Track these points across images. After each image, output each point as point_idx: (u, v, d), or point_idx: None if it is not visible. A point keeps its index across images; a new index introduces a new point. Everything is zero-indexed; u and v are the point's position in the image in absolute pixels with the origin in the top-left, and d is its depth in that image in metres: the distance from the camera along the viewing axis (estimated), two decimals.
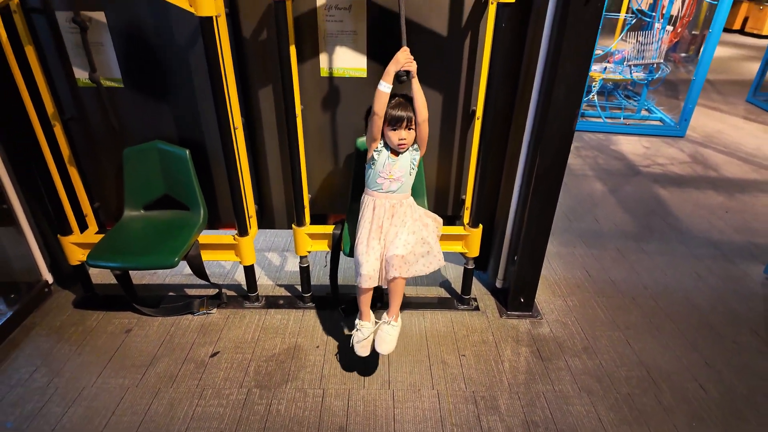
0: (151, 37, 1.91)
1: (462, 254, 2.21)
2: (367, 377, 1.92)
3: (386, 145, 1.77)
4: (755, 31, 11.52)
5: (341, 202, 2.29)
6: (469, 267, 2.23)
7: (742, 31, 12.13)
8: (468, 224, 2.13)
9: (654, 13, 5.02)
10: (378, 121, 1.68)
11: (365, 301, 1.86)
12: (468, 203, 2.12)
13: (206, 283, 2.22)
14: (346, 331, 2.06)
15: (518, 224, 2.15)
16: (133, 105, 2.06)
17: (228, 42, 1.86)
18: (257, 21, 1.91)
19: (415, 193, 1.97)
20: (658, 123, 5.06)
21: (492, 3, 1.70)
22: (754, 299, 2.42)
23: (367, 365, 1.97)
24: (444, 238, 2.12)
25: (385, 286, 1.83)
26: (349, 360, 2.00)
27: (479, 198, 2.04)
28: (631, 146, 4.50)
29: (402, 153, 1.77)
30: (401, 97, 1.71)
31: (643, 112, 5.30)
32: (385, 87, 1.63)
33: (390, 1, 1.85)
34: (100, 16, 1.86)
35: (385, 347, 1.80)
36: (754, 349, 2.10)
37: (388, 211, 1.81)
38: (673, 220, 3.17)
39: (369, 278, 1.76)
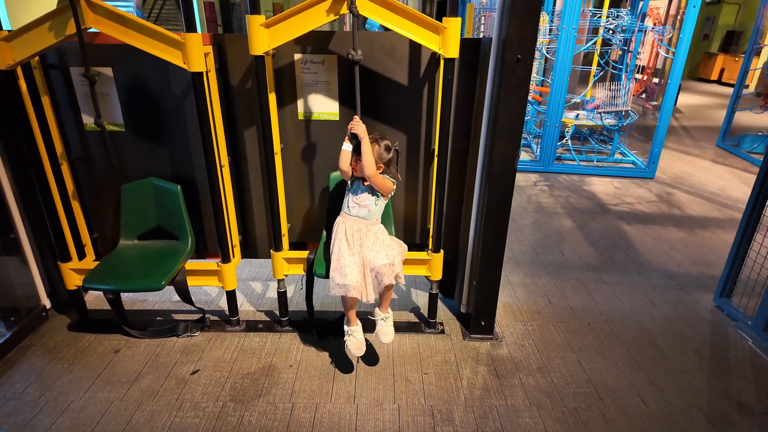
0: (150, 88, 2.22)
1: (426, 278, 2.41)
2: (334, 393, 2.08)
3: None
4: (731, 81, 12.13)
5: (318, 231, 2.52)
6: (434, 291, 2.43)
7: (719, 81, 12.79)
8: (431, 250, 2.34)
9: (621, 66, 5.44)
10: (344, 174, 2.04)
11: (351, 308, 2.10)
12: (431, 231, 2.35)
13: (191, 308, 2.41)
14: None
15: (476, 253, 2.36)
16: (133, 146, 2.33)
17: (217, 91, 2.16)
18: (243, 73, 2.22)
19: (383, 222, 2.21)
20: (630, 165, 5.37)
21: (441, 58, 2.00)
22: (702, 324, 2.59)
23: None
24: (410, 262, 2.33)
25: (371, 301, 2.02)
26: (319, 378, 2.16)
27: (438, 227, 2.26)
28: (602, 187, 4.78)
29: (369, 185, 2.06)
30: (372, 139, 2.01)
31: (617, 155, 5.63)
32: (346, 146, 1.98)
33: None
34: (107, 71, 2.18)
35: (387, 338, 2.14)
36: (696, 368, 2.26)
37: (356, 233, 2.04)
38: (635, 253, 3.38)
39: (353, 288, 1.95)
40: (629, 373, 2.22)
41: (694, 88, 11.97)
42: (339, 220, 2.11)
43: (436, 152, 2.18)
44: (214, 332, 2.46)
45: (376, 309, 2.18)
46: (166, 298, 2.76)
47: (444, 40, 1.88)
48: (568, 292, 2.88)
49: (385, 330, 2.14)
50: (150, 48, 1.90)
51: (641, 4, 5.25)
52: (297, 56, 2.18)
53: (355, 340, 2.11)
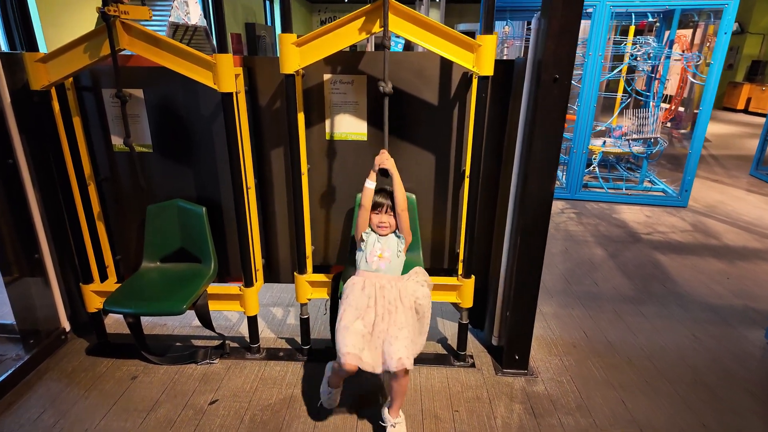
0: (179, 109, 2.21)
1: (456, 306, 2.29)
2: (358, 429, 1.95)
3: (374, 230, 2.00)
4: (758, 111, 11.92)
5: (343, 254, 2.45)
6: (464, 321, 2.30)
7: (746, 111, 12.56)
8: (461, 275, 2.24)
9: (648, 93, 5.35)
10: (363, 213, 1.94)
11: (342, 377, 1.91)
12: (461, 256, 2.25)
13: (211, 333, 2.33)
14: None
15: (509, 282, 2.25)
16: (160, 167, 2.32)
17: (246, 112, 2.14)
18: (271, 94, 2.21)
19: (410, 247, 2.12)
20: (660, 194, 5.20)
21: (474, 76, 1.95)
22: (752, 361, 2.40)
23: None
24: (438, 288, 2.22)
25: (377, 371, 1.72)
26: (342, 412, 2.04)
27: (470, 250, 2.16)
28: (632, 215, 4.62)
29: (387, 235, 1.97)
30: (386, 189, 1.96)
31: (646, 184, 5.47)
32: (369, 184, 1.91)
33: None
34: (138, 93, 2.19)
35: None
36: (749, 409, 2.07)
37: (379, 291, 1.86)
38: (672, 284, 3.20)
39: (352, 356, 1.67)
40: (677, 414, 2.04)
41: (720, 117, 11.75)
42: (356, 280, 1.92)
43: (467, 174, 2.10)
44: (234, 360, 2.37)
45: (385, 412, 1.86)
46: (185, 322, 2.69)
47: (478, 58, 1.83)
48: (605, 324, 2.72)
49: None
50: (182, 69, 1.90)
51: (668, 32, 5.20)
52: (326, 76, 2.16)
53: (328, 397, 1.96)
